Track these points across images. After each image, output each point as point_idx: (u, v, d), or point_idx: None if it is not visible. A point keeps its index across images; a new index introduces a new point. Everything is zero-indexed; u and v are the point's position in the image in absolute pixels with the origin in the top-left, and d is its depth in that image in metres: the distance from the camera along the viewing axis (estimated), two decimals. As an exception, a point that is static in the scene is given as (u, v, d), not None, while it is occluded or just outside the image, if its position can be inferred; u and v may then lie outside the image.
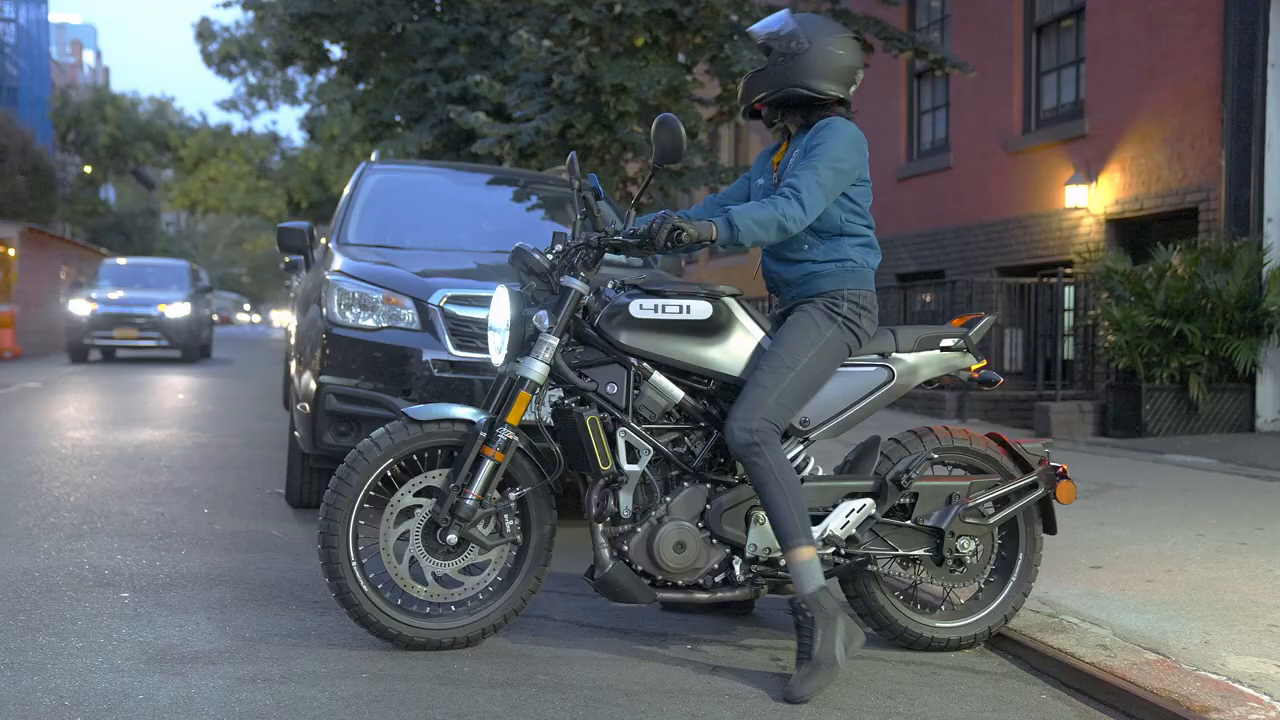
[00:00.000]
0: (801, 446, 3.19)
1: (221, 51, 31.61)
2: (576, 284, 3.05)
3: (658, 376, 3.08)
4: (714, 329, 3.11)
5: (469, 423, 3.07)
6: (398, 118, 15.48)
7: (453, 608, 3.17)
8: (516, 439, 3.06)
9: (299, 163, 34.39)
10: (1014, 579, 3.38)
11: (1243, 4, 8.49)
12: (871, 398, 3.24)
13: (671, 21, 9.05)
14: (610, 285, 3.15)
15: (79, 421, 9.05)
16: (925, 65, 10.42)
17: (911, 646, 3.33)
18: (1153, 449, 7.43)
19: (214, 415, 9.79)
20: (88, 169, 38.92)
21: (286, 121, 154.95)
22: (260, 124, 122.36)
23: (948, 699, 2.95)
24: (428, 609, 3.16)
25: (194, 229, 64.84)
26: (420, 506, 3.11)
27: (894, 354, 3.27)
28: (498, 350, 3.10)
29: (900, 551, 3.24)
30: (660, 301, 3.06)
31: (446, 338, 4.58)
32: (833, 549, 3.14)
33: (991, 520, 3.28)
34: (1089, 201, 10.10)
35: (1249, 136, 8.43)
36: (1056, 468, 3.34)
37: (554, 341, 3.01)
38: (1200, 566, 4.17)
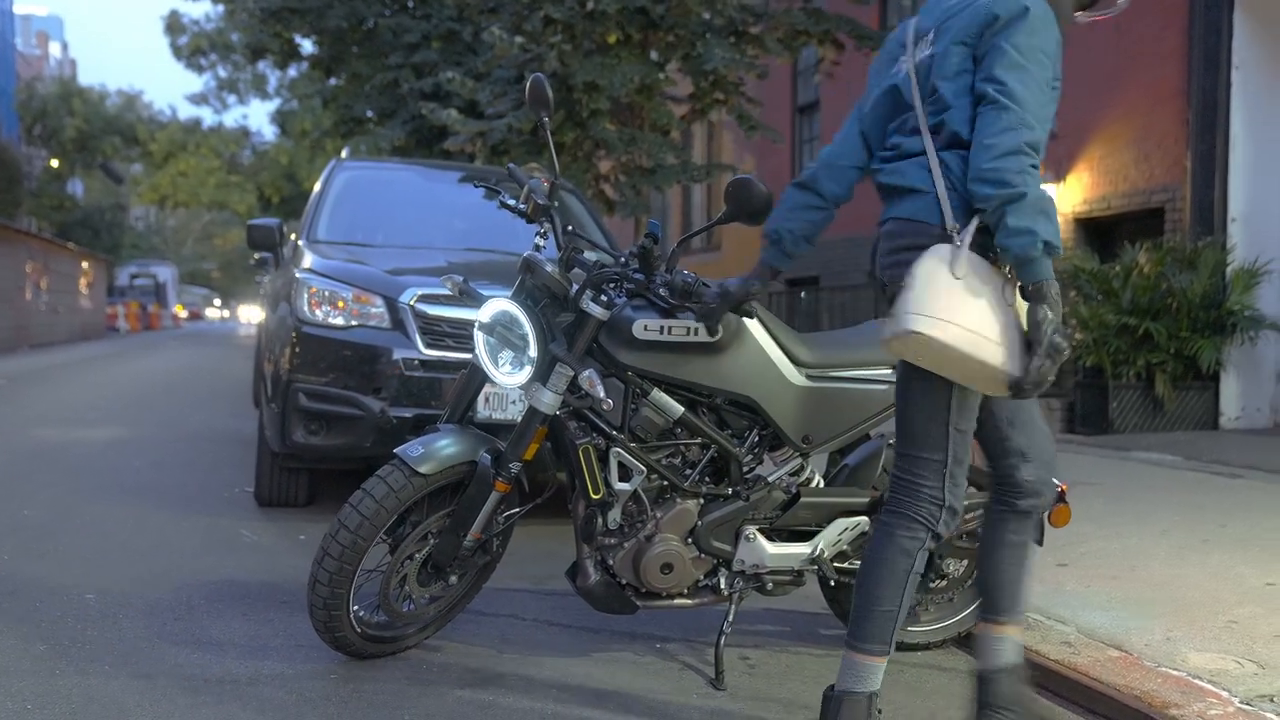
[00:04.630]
0: (799, 460, 3.10)
1: (191, 45, 31.35)
2: (597, 311, 2.84)
3: (658, 393, 2.91)
4: (721, 346, 2.91)
5: (472, 463, 2.92)
6: (369, 113, 15.40)
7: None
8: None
9: (270, 157, 34.18)
10: None
11: (1207, 6, 8.58)
12: (879, 416, 3.14)
13: (644, 19, 9.05)
14: (615, 284, 2.90)
15: (44, 418, 8.95)
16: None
17: (880, 646, 3.34)
18: (1119, 446, 7.51)
19: (183, 412, 9.71)
20: (54, 163, 38.47)
21: (257, 116, 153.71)
22: (231, 118, 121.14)
23: (914, 696, 2.98)
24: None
25: (163, 224, 64.19)
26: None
27: None
28: (504, 365, 2.90)
29: None
30: (665, 322, 2.85)
31: (417, 336, 4.57)
32: (815, 566, 3.09)
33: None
34: (1057, 201, 10.19)
35: (1214, 138, 8.52)
36: (1055, 487, 3.31)
37: (571, 373, 2.83)
38: (1163, 564, 4.21)
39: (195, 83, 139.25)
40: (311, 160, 30.24)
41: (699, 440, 3.01)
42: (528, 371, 2.88)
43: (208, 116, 68.71)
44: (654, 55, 9.54)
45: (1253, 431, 8.22)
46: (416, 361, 4.54)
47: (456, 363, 4.49)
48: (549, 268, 2.91)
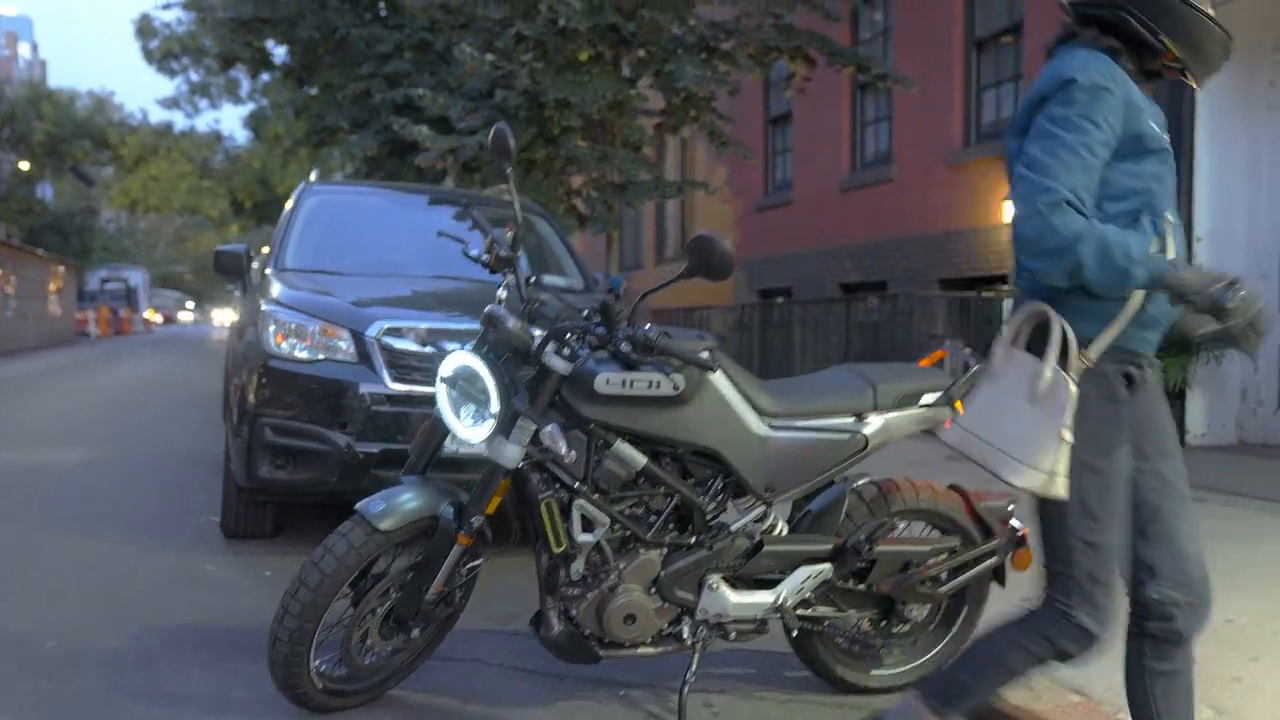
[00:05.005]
0: (763, 508, 3.10)
1: (162, 49, 31.11)
2: (560, 365, 2.83)
3: (621, 445, 2.90)
4: (685, 398, 2.90)
5: (434, 517, 2.90)
6: (342, 123, 15.35)
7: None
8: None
9: (243, 162, 33.98)
10: (955, 630, 3.40)
11: (1174, 27, 8.66)
12: (840, 465, 3.14)
13: (615, 36, 9.05)
14: (577, 338, 2.86)
15: (5, 439, 8.85)
16: (867, 79, 10.53)
17: (847, 691, 3.35)
18: (1087, 465, 7.56)
19: (150, 428, 9.62)
20: (23, 166, 38.08)
21: (230, 120, 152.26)
22: (203, 123, 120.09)
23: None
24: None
25: (135, 227, 63.69)
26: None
27: (871, 413, 3.15)
28: (466, 419, 2.89)
29: (847, 613, 3.26)
30: (628, 376, 2.83)
31: (384, 370, 4.55)
32: (779, 614, 3.09)
33: (943, 590, 3.28)
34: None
35: (1179, 156, 8.58)
36: (1017, 531, 3.31)
37: (533, 427, 2.81)
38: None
39: (167, 86, 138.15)
40: (285, 165, 30.10)
41: (662, 490, 3.01)
42: (490, 425, 2.86)
43: (179, 120, 68.07)
44: (626, 72, 9.54)
45: (1218, 448, 8.30)
46: (383, 396, 4.51)
47: (424, 397, 4.47)
48: (511, 323, 2.89)
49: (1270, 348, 8.44)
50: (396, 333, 4.60)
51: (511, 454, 2.84)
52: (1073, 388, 2.18)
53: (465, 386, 2.92)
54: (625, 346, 2.81)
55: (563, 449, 2.77)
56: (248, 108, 34.02)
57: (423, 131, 9.13)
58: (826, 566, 3.14)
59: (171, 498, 6.23)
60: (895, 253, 12.34)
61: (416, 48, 14.42)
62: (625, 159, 9.31)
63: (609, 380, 2.85)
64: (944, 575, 3.30)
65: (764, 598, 3.09)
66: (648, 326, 2.84)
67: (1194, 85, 2.33)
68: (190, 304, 77.94)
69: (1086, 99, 2.17)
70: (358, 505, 2.87)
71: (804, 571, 3.12)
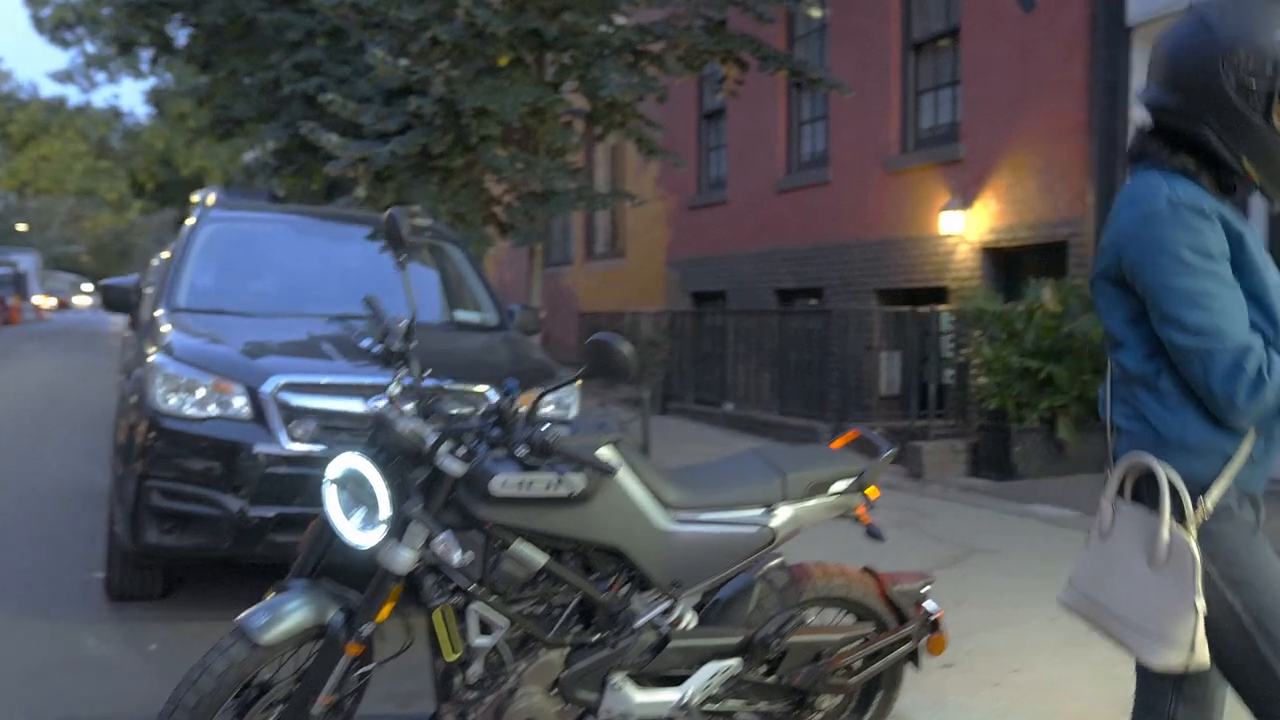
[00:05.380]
0: (669, 602, 3.13)
1: (55, 17, 30.34)
2: (454, 468, 2.84)
3: (519, 545, 2.92)
4: (587, 497, 2.93)
5: (321, 626, 2.87)
6: (250, 114, 15.09)
7: None
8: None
9: (144, 141, 33.26)
10: (870, 713, 3.49)
11: (1108, 40, 8.87)
12: (750, 559, 3.19)
13: (536, 39, 9.02)
14: (473, 437, 2.87)
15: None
16: (802, 81, 10.62)
17: (756, 782, 3.42)
18: (1020, 496, 7.75)
19: (28, 458, 9.20)
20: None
21: (130, 96, 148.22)
22: (100, 98, 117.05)
23: None
24: None
25: (25, 205, 62.03)
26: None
27: (780, 505, 3.20)
28: (356, 521, 2.87)
29: (757, 705, 3.32)
30: (525, 477, 2.85)
31: (280, 429, 4.52)
32: (685, 713, 3.13)
33: (855, 680, 3.35)
34: (965, 228, 10.44)
35: (1114, 174, 8.82)
36: (931, 614, 3.40)
37: (426, 533, 2.81)
38: (1049, 661, 4.38)
39: (60, 58, 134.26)
40: (190, 146, 29.47)
41: (564, 587, 3.05)
42: (381, 532, 2.87)
43: (74, 95, 66.32)
44: (549, 76, 9.51)
45: (1153, 473, 8.55)
46: (279, 456, 4.49)
47: (324, 457, 4.44)
48: (401, 425, 2.89)
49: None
50: (295, 388, 4.57)
51: (403, 560, 2.85)
52: (1196, 551, 2.11)
53: (354, 489, 2.92)
54: (522, 450, 2.83)
55: (454, 560, 2.79)
56: (150, 83, 33.31)
57: (332, 139, 9.03)
58: (735, 661, 3.20)
59: (52, 551, 6.07)
60: (831, 259, 12.48)
61: (330, 35, 14.23)
62: (548, 167, 9.29)
63: (506, 482, 2.87)
64: (857, 663, 3.38)
65: (669, 695, 3.14)
66: (545, 427, 2.87)
67: (1273, 202, 2.32)
68: (87, 287, 76.15)
69: (1194, 235, 2.13)
70: (239, 618, 2.85)
71: (712, 667, 3.18)
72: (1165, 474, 2.14)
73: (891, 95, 11.63)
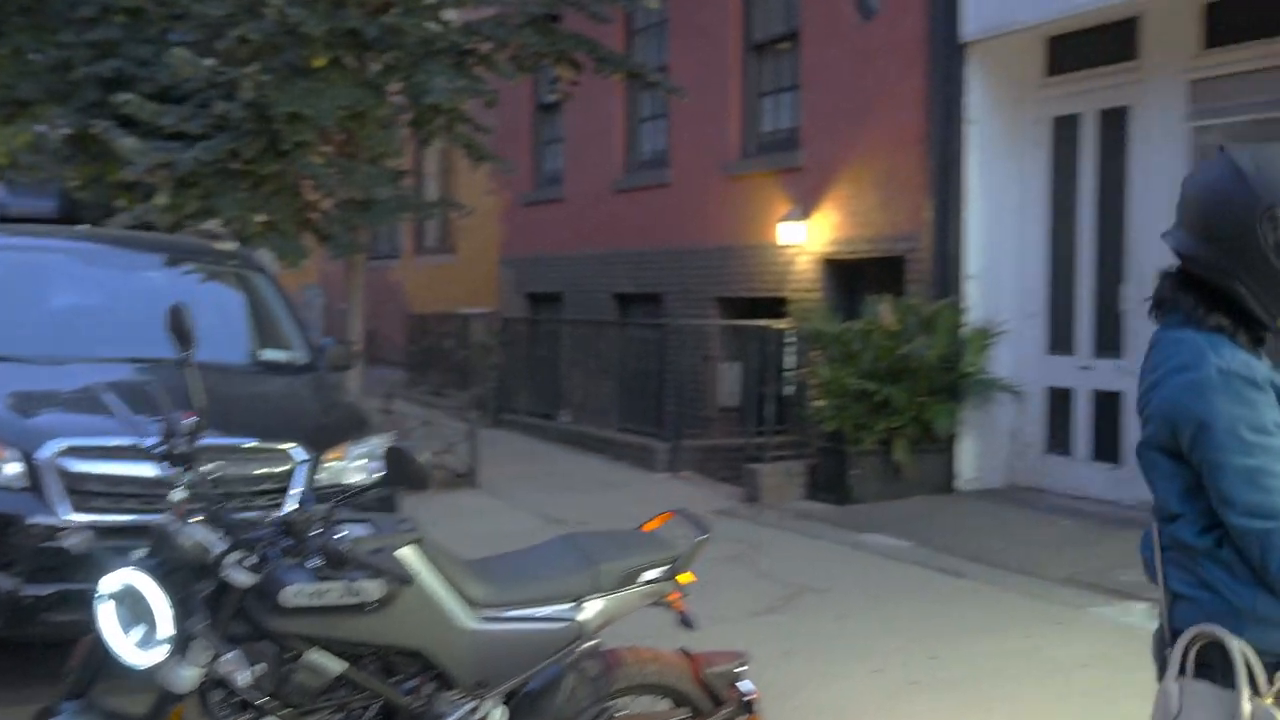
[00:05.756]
0: (475, 702, 3.14)
1: None
2: (243, 580, 2.80)
3: (314, 654, 2.89)
4: (385, 602, 2.94)
5: None
6: (38, 95, 14.32)
7: None
8: None
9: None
10: None
11: (947, 55, 9.21)
12: (558, 656, 3.24)
13: (354, 40, 8.86)
14: (264, 546, 2.86)
15: None
16: (640, 85, 10.73)
17: None
18: (855, 523, 8.04)
19: None
20: None
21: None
22: None
23: None
24: None
25: None
26: None
27: (590, 598, 3.27)
28: (134, 638, 2.79)
29: None
30: (318, 587, 2.82)
31: (60, 499, 4.36)
32: None
33: None
34: (805, 238, 10.69)
35: (949, 191, 9.17)
36: (745, 695, 3.49)
37: (211, 651, 2.77)
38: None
39: None
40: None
41: (364, 693, 3.05)
42: (162, 651, 2.82)
43: None
44: (371, 76, 9.35)
45: (986, 492, 8.98)
46: (59, 529, 4.33)
47: (110, 527, 4.32)
48: (183, 538, 2.84)
49: (1036, 389, 9.19)
50: (78, 451, 4.42)
51: (186, 679, 2.81)
52: None
53: (132, 604, 2.85)
54: (316, 561, 2.82)
55: (240, 681, 2.77)
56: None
57: (128, 142, 8.69)
58: None
59: None
60: (672, 264, 12.62)
61: (130, 12, 13.63)
62: (368, 173, 9.15)
63: (298, 592, 2.84)
64: None
65: (479, 798, 3.18)
66: (339, 535, 2.85)
67: None
68: None
69: (1249, 409, 2.13)
70: None
71: None
72: (1239, 647, 2.13)
73: (732, 97, 11.83)
